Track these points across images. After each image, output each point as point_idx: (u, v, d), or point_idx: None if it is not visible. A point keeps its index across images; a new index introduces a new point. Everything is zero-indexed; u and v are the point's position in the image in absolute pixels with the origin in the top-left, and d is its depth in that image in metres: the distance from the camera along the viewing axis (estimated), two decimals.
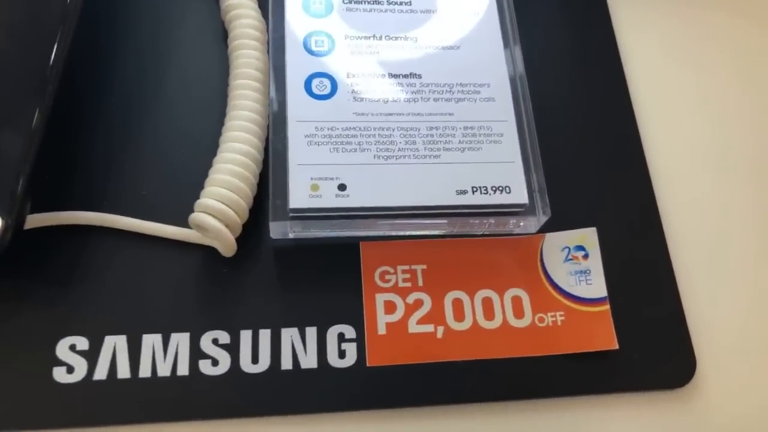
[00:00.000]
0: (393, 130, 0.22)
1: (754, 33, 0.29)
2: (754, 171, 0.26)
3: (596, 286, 0.22)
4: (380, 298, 0.21)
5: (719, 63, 0.28)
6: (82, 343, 0.20)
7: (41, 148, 0.18)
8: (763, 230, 0.25)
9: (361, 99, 0.23)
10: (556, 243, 0.23)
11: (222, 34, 0.24)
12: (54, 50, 0.19)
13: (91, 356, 0.20)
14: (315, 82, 0.23)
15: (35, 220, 0.20)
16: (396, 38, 0.24)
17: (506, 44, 0.25)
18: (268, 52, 0.23)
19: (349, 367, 0.20)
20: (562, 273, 0.22)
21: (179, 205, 0.21)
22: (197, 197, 0.21)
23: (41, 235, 0.20)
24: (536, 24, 0.27)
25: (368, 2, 0.25)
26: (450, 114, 0.23)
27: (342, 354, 0.20)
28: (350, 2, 0.24)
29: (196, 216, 0.20)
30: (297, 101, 0.22)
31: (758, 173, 0.26)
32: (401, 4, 0.25)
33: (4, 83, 0.18)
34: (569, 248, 0.23)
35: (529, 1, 0.27)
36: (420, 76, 0.23)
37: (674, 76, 0.27)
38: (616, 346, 0.21)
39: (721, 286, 0.23)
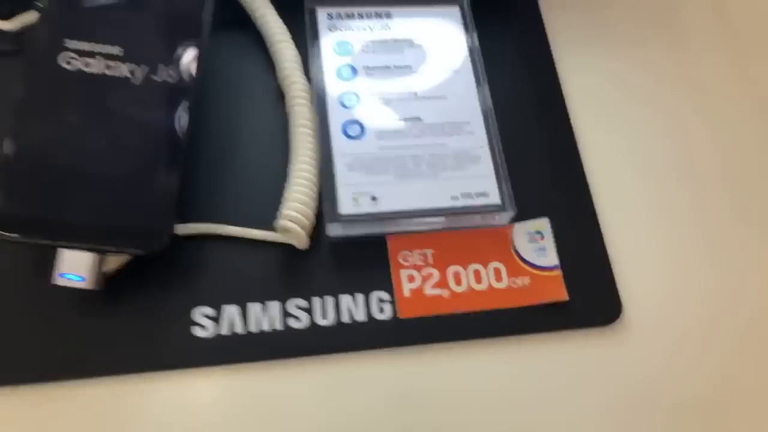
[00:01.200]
0: (405, 157, 0.32)
1: (677, 61, 0.39)
2: (670, 160, 0.36)
3: (550, 258, 0.32)
4: (404, 273, 0.31)
5: (648, 91, 0.39)
6: (209, 311, 0.29)
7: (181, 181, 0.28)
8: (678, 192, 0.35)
9: (382, 137, 0.33)
10: (521, 230, 0.33)
11: (279, 95, 0.34)
12: (184, 111, 0.29)
13: (216, 319, 0.29)
14: (349, 127, 0.33)
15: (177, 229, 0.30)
16: (402, 93, 0.34)
17: (478, 86, 0.35)
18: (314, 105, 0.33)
19: (387, 320, 0.30)
20: (527, 250, 0.33)
21: (259, 216, 0.31)
22: (272, 210, 0.31)
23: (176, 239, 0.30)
24: (497, 71, 0.37)
25: (381, 69, 0.35)
26: (443, 144, 0.33)
27: (381, 310, 0.30)
28: (368, 70, 0.35)
29: (283, 222, 0.29)
30: (338, 141, 0.32)
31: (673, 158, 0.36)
32: (403, 68, 0.35)
33: (164, 138, 0.28)
34: (530, 233, 0.33)
35: (491, 53, 0.37)
36: (421, 119, 0.34)
37: (606, 102, 0.38)
38: (566, 298, 0.32)
39: (641, 251, 0.34)
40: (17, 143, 0.27)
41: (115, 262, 0.29)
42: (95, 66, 0.28)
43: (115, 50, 0.29)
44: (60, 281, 0.27)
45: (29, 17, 0.33)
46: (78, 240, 0.26)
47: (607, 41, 0.40)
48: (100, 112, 0.28)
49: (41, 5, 0.30)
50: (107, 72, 0.28)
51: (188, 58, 0.29)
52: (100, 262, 0.27)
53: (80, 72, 0.28)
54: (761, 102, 0.39)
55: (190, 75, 0.29)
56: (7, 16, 0.33)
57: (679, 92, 0.39)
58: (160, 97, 0.29)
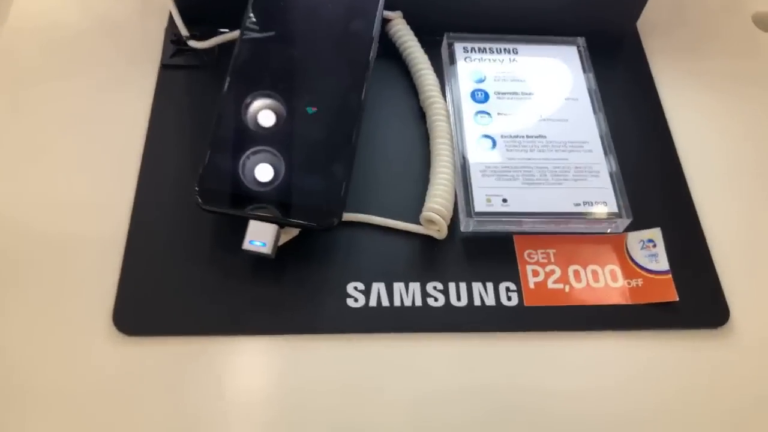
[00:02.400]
0: (531, 168, 0.37)
1: None
2: None
3: (662, 263, 0.35)
4: (529, 268, 0.35)
5: (746, 113, 0.42)
6: (360, 286, 0.34)
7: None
8: None
9: (511, 150, 0.37)
10: (635, 238, 0.36)
11: (420, 114, 0.40)
12: (356, 123, 0.34)
13: (366, 293, 0.34)
14: (483, 140, 0.38)
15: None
16: (528, 114, 0.39)
17: (595, 114, 0.39)
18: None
19: (514, 306, 0.34)
20: (640, 256, 0.36)
21: (402, 210, 0.36)
22: (412, 207, 0.35)
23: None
24: (609, 101, 0.41)
25: (509, 94, 0.40)
26: (565, 159, 0.37)
27: (509, 298, 0.34)
28: (499, 94, 0.40)
29: (429, 215, 0.34)
30: (473, 152, 0.37)
31: None
32: (529, 94, 0.40)
33: (345, 140, 0.34)
34: (644, 241, 0.36)
35: (603, 86, 0.41)
36: (546, 137, 0.38)
37: (706, 125, 0.41)
38: (677, 299, 0.34)
39: (747, 259, 0.36)
40: (223, 135, 0.33)
41: (288, 235, 0.34)
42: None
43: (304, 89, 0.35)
44: (248, 247, 0.32)
45: (218, 39, 0.40)
46: (268, 212, 0.32)
47: (704, 73, 0.44)
48: (297, 114, 0.34)
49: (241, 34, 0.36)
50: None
51: (361, 84, 0.35)
52: (279, 234, 0.33)
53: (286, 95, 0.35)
54: None
55: (363, 95, 0.35)
56: (199, 38, 0.40)
57: None
58: (343, 112, 0.35)
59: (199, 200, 0.32)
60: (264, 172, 0.33)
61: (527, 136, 0.38)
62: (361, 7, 0.38)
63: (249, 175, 0.33)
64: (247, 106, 0.34)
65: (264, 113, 0.34)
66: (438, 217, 0.34)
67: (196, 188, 0.32)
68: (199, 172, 0.32)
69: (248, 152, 0.33)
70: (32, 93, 0.40)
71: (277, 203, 0.32)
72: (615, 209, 0.36)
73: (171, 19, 0.41)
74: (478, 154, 0.37)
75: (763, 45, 0.46)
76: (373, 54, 0.37)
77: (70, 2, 0.44)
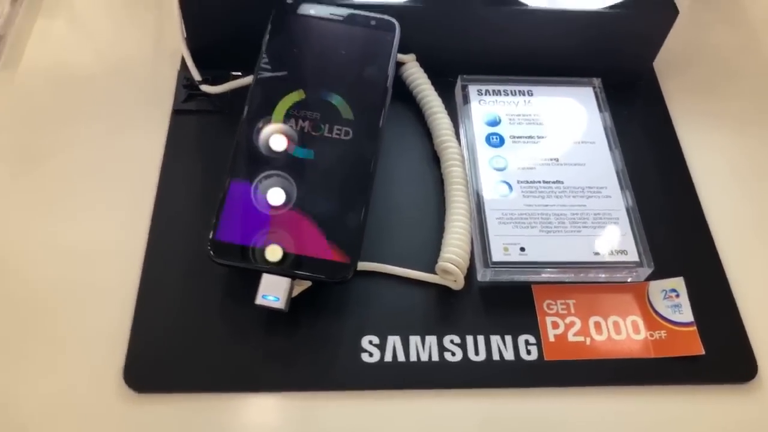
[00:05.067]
0: (549, 215, 0.36)
1: None
2: None
3: (685, 315, 0.34)
4: (548, 320, 0.34)
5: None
6: (375, 339, 0.33)
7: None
8: None
9: (528, 196, 0.37)
10: (657, 287, 0.35)
11: (435, 158, 0.39)
12: (371, 169, 0.34)
13: (381, 347, 0.33)
14: (499, 186, 0.37)
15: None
16: (545, 159, 0.38)
17: (613, 158, 0.38)
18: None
19: (534, 360, 0.33)
20: (662, 306, 0.35)
21: (416, 259, 0.35)
22: (427, 254, 0.35)
23: None
24: (626, 143, 0.40)
25: (525, 138, 0.39)
26: (584, 205, 0.37)
27: (529, 352, 0.33)
28: (514, 138, 0.39)
29: (445, 265, 0.33)
30: (490, 198, 0.36)
31: None
32: (545, 138, 0.39)
33: (360, 186, 0.33)
34: (666, 290, 0.35)
35: (620, 127, 0.41)
36: (563, 182, 0.37)
37: (726, 168, 0.41)
38: (703, 352, 0.33)
39: None
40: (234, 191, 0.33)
41: (301, 286, 0.33)
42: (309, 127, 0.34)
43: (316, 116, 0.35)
44: (261, 302, 0.31)
45: (231, 85, 0.40)
46: (281, 266, 0.31)
47: (722, 113, 0.43)
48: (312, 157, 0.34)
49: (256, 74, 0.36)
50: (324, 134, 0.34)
51: (378, 122, 0.35)
52: (292, 287, 0.32)
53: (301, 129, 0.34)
54: None
55: (380, 136, 0.35)
56: (212, 83, 0.40)
57: None
58: (361, 153, 0.34)
59: (211, 253, 0.32)
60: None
61: (544, 182, 0.37)
62: (374, 52, 0.37)
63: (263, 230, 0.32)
64: (257, 171, 0.33)
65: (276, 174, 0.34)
66: (454, 267, 0.33)
67: (209, 241, 0.32)
68: (211, 225, 0.32)
69: (258, 206, 0.33)
70: (45, 137, 0.39)
71: (291, 256, 0.31)
72: (636, 258, 0.35)
73: (183, 62, 0.41)
74: (494, 201, 0.36)
75: None
76: (387, 100, 0.36)
77: (83, 45, 0.44)
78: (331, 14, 0.38)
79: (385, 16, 0.38)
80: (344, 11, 0.38)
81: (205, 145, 0.39)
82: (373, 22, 0.38)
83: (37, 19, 0.44)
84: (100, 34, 0.44)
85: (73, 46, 0.44)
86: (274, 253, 0.32)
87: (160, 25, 0.44)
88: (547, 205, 0.37)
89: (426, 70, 0.41)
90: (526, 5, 0.39)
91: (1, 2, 0.44)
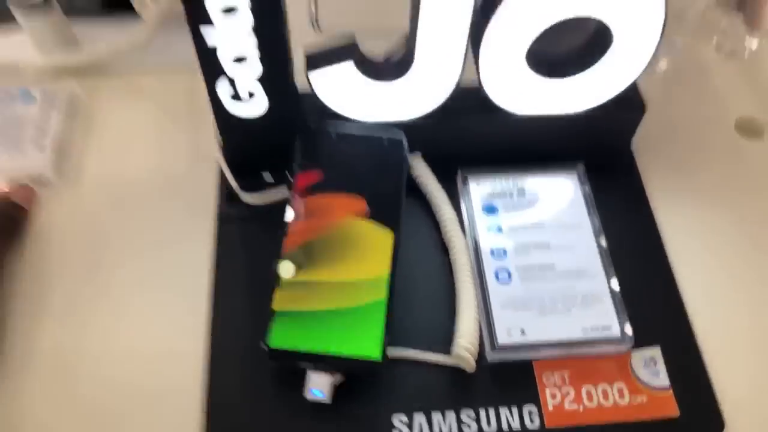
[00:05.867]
0: (544, 298, 0.43)
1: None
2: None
3: (662, 380, 0.41)
4: (548, 391, 0.41)
5: (735, 232, 0.47)
6: (404, 418, 0.40)
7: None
8: None
9: (525, 281, 0.43)
10: (639, 356, 0.42)
11: (443, 247, 0.46)
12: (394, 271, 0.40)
13: (410, 425, 0.39)
14: (500, 274, 0.43)
15: None
16: (539, 245, 0.45)
17: (596, 240, 0.45)
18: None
19: (537, 429, 0.40)
20: (643, 373, 0.41)
21: (433, 338, 0.41)
22: (439, 335, 0.41)
23: None
24: (608, 222, 0.47)
25: (524, 228, 0.46)
26: (573, 287, 0.43)
27: (532, 420, 0.40)
28: (512, 228, 0.45)
29: (459, 351, 0.40)
30: (493, 285, 0.43)
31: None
32: (538, 225, 0.46)
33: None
34: (646, 359, 0.42)
35: (602, 208, 0.47)
36: (554, 265, 0.44)
37: (700, 243, 0.47)
38: (677, 414, 0.40)
39: (740, 373, 0.42)
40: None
41: (339, 378, 0.40)
42: None
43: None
44: (309, 396, 0.38)
45: (268, 197, 0.47)
46: (326, 365, 0.38)
47: (694, 187, 0.50)
48: None
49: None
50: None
51: (398, 222, 0.42)
52: (335, 381, 0.38)
53: None
54: None
55: (399, 232, 0.41)
56: (250, 190, 0.47)
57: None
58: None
59: (268, 357, 0.38)
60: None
61: (539, 267, 0.44)
62: (389, 162, 0.44)
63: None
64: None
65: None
66: (468, 355, 0.40)
67: (264, 347, 0.38)
68: (265, 331, 0.38)
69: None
70: (106, 250, 0.46)
71: (332, 357, 0.38)
72: (618, 334, 0.41)
73: (222, 172, 0.47)
74: (496, 288, 0.43)
75: (746, 152, 0.52)
76: (402, 203, 0.43)
77: (134, 159, 0.50)
78: (349, 133, 0.44)
79: (395, 134, 0.44)
80: (360, 130, 0.45)
81: (251, 248, 0.46)
82: (385, 141, 0.44)
83: (92, 134, 0.51)
84: (148, 148, 0.51)
85: (126, 160, 0.50)
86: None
87: (199, 138, 0.50)
88: (542, 289, 0.43)
89: (430, 164, 0.48)
90: (515, 114, 0.45)
91: (59, 121, 0.50)
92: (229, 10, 0.35)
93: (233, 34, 0.36)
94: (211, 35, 0.36)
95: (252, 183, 0.47)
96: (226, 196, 0.47)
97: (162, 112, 0.52)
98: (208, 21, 0.35)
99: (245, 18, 0.36)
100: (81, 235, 0.47)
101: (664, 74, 0.54)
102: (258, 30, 0.36)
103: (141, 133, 0.51)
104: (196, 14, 0.35)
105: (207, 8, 0.35)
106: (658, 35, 0.40)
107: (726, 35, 0.56)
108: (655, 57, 0.42)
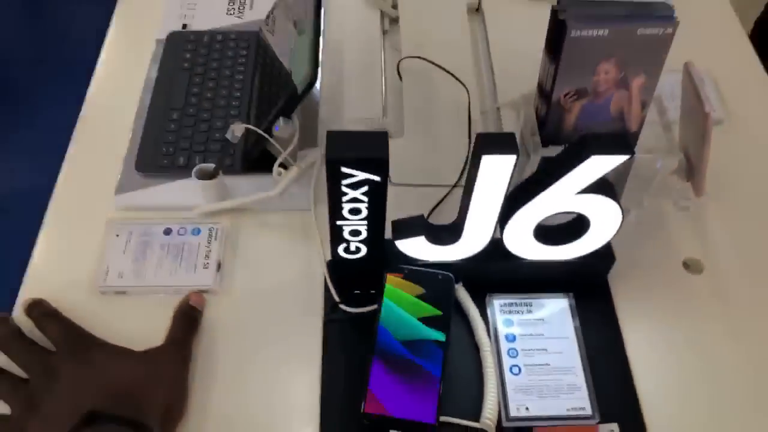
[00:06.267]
0: (542, 387, 0.65)
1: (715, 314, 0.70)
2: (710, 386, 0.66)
3: None
4: None
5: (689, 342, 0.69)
6: None
7: None
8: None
9: (530, 374, 0.65)
10: (604, 428, 0.64)
11: (475, 346, 0.68)
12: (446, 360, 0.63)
13: None
14: (513, 368, 0.66)
15: None
16: (540, 350, 0.67)
17: (579, 348, 0.67)
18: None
19: None
20: None
21: (465, 411, 0.64)
22: (472, 408, 0.63)
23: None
24: (586, 335, 0.69)
25: (530, 336, 0.68)
26: (561, 379, 0.65)
27: None
28: (522, 336, 0.68)
29: (485, 420, 0.62)
30: (508, 376, 0.65)
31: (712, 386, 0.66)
32: (541, 335, 0.68)
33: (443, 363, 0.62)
34: (606, 431, 0.63)
35: (583, 324, 0.69)
36: (550, 364, 0.66)
37: (656, 351, 0.69)
38: None
39: None
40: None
41: None
42: None
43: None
44: None
45: (362, 309, 0.70)
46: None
47: (652, 309, 0.72)
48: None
49: None
50: None
51: (449, 332, 0.64)
52: None
53: None
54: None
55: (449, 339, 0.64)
56: (347, 302, 0.70)
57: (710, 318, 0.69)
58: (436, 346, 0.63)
59: (364, 420, 0.61)
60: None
61: (539, 365, 0.66)
62: (442, 295, 0.67)
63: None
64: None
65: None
66: (490, 422, 0.62)
67: (362, 412, 0.61)
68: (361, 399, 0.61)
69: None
70: (251, 338, 0.69)
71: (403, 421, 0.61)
72: (590, 412, 0.63)
73: (326, 286, 0.70)
74: (510, 378, 0.65)
75: (690, 284, 0.74)
76: (450, 321, 0.66)
77: (266, 275, 0.74)
78: (416, 269, 0.68)
79: (446, 273, 0.68)
80: (423, 271, 0.68)
81: (351, 344, 0.69)
82: (440, 275, 0.67)
83: (238, 257, 0.75)
84: (275, 266, 0.74)
85: (261, 274, 0.74)
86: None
87: (311, 260, 0.74)
88: (542, 379, 0.65)
89: (468, 290, 0.70)
90: (524, 259, 0.68)
91: (217, 248, 0.74)
92: (354, 211, 0.59)
93: (355, 225, 0.60)
94: (341, 224, 0.60)
95: (349, 297, 0.70)
96: (330, 304, 0.71)
97: (285, 240, 0.76)
98: (342, 218, 0.59)
99: (364, 216, 0.59)
100: (234, 328, 0.70)
101: (634, 224, 0.77)
102: (369, 220, 0.60)
103: (271, 256, 0.75)
104: (335, 215, 0.59)
105: (342, 212, 0.59)
106: (618, 224, 0.63)
107: (680, 195, 0.79)
108: (617, 233, 0.64)
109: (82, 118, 0.86)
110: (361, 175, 0.55)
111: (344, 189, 0.56)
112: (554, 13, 0.63)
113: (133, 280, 0.70)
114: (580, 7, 0.61)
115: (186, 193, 0.77)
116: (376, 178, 0.55)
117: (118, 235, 0.73)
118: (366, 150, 0.54)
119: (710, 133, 0.66)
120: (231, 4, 0.99)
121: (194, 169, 0.74)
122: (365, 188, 0.56)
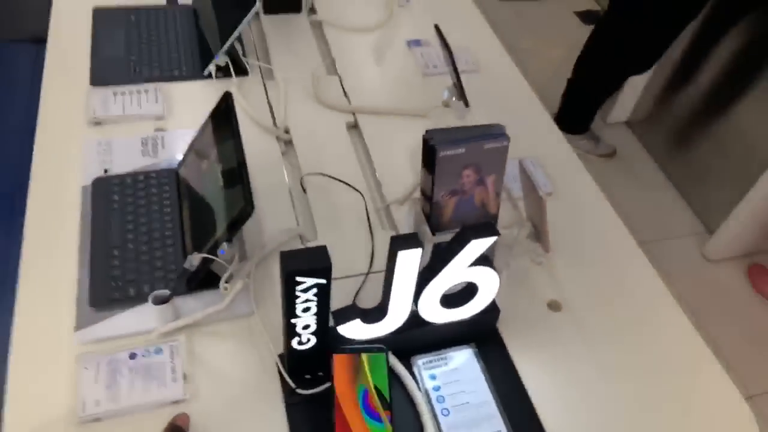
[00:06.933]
0: (468, 423, 0.83)
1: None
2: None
3: None
4: None
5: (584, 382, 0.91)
6: None
7: None
8: None
9: (457, 413, 0.84)
10: None
11: (410, 399, 0.85)
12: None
13: None
14: (444, 411, 0.84)
15: None
16: (461, 392, 0.86)
17: (492, 394, 0.87)
18: None
19: None
20: None
21: None
22: None
23: None
24: (493, 376, 0.89)
25: (451, 383, 0.87)
26: (480, 412, 0.84)
27: None
28: (446, 384, 0.86)
29: None
30: (441, 418, 0.83)
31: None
32: (459, 381, 0.87)
33: None
34: None
35: (490, 369, 0.89)
36: (470, 404, 0.85)
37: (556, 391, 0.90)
38: None
39: None
40: None
41: None
42: None
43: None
44: None
45: (317, 389, 0.84)
46: None
47: (542, 350, 0.94)
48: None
49: None
50: None
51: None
52: None
53: None
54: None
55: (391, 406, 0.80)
56: (302, 386, 0.84)
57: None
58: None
59: None
60: None
61: (462, 404, 0.85)
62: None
63: None
64: None
65: None
66: None
67: None
68: None
69: None
70: (235, 411, 0.81)
71: None
72: None
73: (281, 375, 0.84)
74: (443, 419, 0.83)
75: (555, 320, 0.98)
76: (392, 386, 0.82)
77: (226, 376, 0.86)
78: (356, 347, 0.84)
79: (380, 346, 0.85)
80: (361, 347, 0.84)
81: (310, 419, 0.82)
82: (374, 349, 0.84)
83: (197, 365, 0.86)
84: (233, 367, 0.87)
85: (220, 377, 0.86)
86: None
87: (263, 357, 0.87)
88: (465, 416, 0.83)
89: (397, 356, 0.88)
90: (436, 323, 0.87)
91: (179, 362, 0.85)
92: (305, 309, 0.75)
93: (306, 320, 0.76)
94: (295, 321, 0.76)
95: (302, 380, 0.84)
96: (287, 391, 0.84)
97: (237, 344, 0.89)
98: (295, 316, 0.75)
99: (314, 312, 0.75)
100: (210, 429, 0.81)
101: (506, 280, 1.00)
102: (317, 315, 0.76)
103: (227, 360, 0.88)
104: (290, 314, 0.75)
105: (296, 311, 0.74)
106: (498, 285, 0.85)
107: (534, 254, 1.04)
108: (499, 291, 0.86)
109: (24, 262, 0.94)
110: (311, 281, 0.71)
111: (298, 293, 0.72)
112: (425, 141, 0.86)
113: (110, 405, 0.79)
114: (443, 135, 0.85)
115: (142, 319, 0.88)
116: (323, 281, 0.72)
117: (86, 368, 0.82)
118: (313, 262, 0.72)
119: (545, 207, 0.92)
120: (144, 146, 1.12)
121: (150, 296, 0.85)
122: (315, 290, 0.73)
